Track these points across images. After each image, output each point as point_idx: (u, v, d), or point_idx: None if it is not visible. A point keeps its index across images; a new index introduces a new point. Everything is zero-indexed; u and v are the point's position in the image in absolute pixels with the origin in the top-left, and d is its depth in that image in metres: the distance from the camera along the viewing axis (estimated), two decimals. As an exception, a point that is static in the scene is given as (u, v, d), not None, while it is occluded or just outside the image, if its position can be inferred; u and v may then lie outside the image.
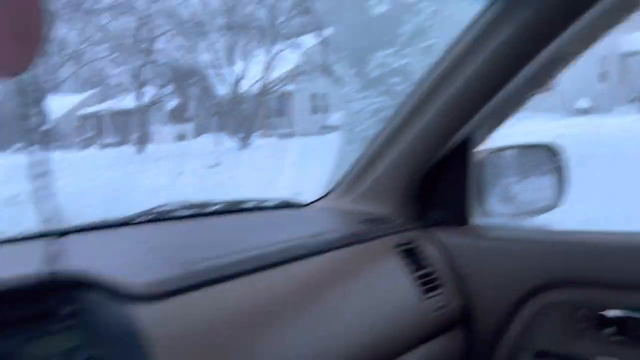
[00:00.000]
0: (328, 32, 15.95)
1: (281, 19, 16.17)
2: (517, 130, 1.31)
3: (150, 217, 1.21)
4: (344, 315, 0.95)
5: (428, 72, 1.09)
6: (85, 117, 23.53)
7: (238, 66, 16.82)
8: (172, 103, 20.88)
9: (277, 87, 17.64)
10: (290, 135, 17.61)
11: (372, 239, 1.10)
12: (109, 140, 19.52)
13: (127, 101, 19.10)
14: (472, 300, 1.13)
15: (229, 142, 14.49)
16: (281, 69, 17.08)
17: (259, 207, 1.35)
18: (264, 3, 16.22)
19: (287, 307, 0.90)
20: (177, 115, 21.30)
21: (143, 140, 16.98)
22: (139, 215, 1.22)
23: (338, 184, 1.31)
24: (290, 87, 18.83)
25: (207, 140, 15.36)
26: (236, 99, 16.38)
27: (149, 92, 18.51)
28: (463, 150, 1.19)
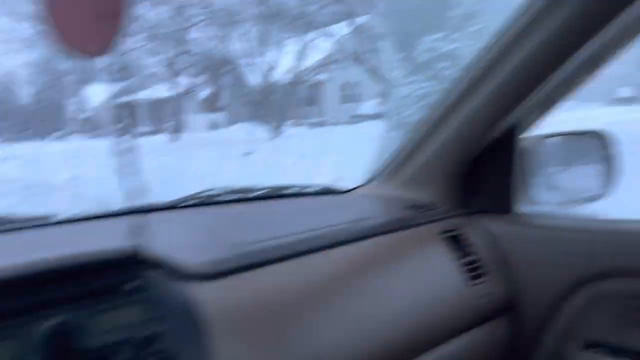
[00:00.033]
0: (362, 20, 15.84)
1: (314, 7, 16.09)
2: (560, 118, 1.28)
3: (195, 201, 1.24)
4: (388, 300, 0.96)
5: (477, 57, 1.08)
6: (121, 106, 24.03)
7: (270, 55, 16.87)
8: (205, 92, 21.12)
9: (308, 76, 17.63)
10: (320, 124, 17.61)
11: (417, 225, 1.10)
12: (143, 129, 19.91)
13: (161, 90, 19.44)
14: (518, 289, 1.12)
15: (260, 131, 14.59)
16: (313, 58, 17.06)
17: (300, 193, 1.37)
18: (296, -9, 16.19)
19: (333, 291, 0.91)
20: (210, 105, 21.55)
21: (177, 129, 17.27)
22: (185, 199, 1.25)
23: (381, 171, 1.31)
24: (321, 76, 18.80)
25: (239, 129, 15.50)
26: (268, 88, 16.46)
27: (183, 81, 18.78)
28: (510, 137, 1.18)
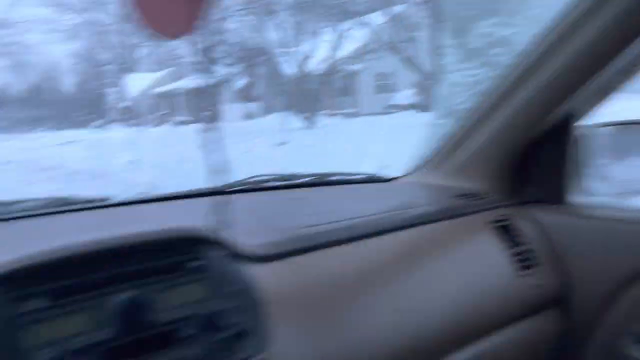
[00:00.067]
0: (398, 8, 15.61)
1: (349, -4, 15.98)
2: (616, 108, 1.24)
3: (243, 186, 1.27)
4: (436, 289, 0.96)
5: (533, 44, 1.05)
6: (160, 96, 24.54)
7: (305, 45, 16.86)
8: (241, 82, 21.32)
9: (343, 66, 17.55)
10: (355, 114, 17.53)
11: (466, 214, 1.09)
12: (182, 117, 20.27)
13: (199, 80, 19.68)
14: (570, 281, 1.10)
15: (295, 121, 14.65)
16: (348, 47, 16.96)
17: (346, 181, 1.38)
18: (332, -19, 16.09)
19: (382, 277, 0.92)
20: (246, 94, 21.75)
21: (213, 119, 17.49)
22: (233, 184, 1.28)
23: (428, 159, 1.30)
24: (356, 66, 18.68)
25: (274, 119, 15.60)
26: (303, 78, 16.47)
27: (220, 71, 18.99)
28: (564, 126, 1.15)
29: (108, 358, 0.58)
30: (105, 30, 23.41)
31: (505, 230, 1.09)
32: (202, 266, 0.69)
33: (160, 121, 20.72)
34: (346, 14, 16.18)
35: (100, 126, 20.29)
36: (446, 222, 1.06)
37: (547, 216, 1.14)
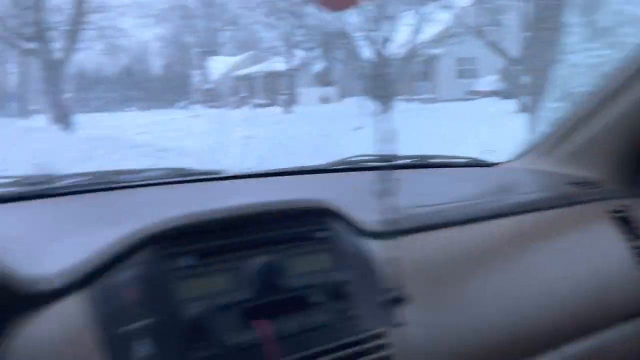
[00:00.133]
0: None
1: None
2: None
3: (345, 165, 1.28)
4: (547, 278, 0.93)
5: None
6: (240, 78, 25.24)
7: (385, 29, 16.61)
8: (319, 66, 21.43)
9: (424, 50, 17.13)
10: (433, 100, 17.12)
11: (583, 202, 1.04)
12: (260, 100, 20.76)
13: (278, 64, 20.05)
14: None
15: (372, 106, 14.54)
16: (429, 31, 16.52)
17: (447, 164, 1.36)
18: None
19: (493, 262, 0.90)
20: (323, 78, 21.85)
21: (290, 102, 17.78)
22: (335, 163, 1.30)
23: (538, 144, 1.25)
24: (436, 51, 18.17)
25: (350, 103, 15.59)
26: (381, 62, 16.26)
27: (298, 55, 19.20)
28: None
29: (246, 317, 0.62)
30: (191, 15, 24.34)
31: (625, 222, 1.03)
32: (328, 237, 0.71)
33: (240, 103, 21.34)
34: (429, -3, 15.74)
35: (184, 107, 21.23)
36: (560, 210, 1.02)
37: None
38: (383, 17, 16.35)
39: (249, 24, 21.67)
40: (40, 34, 13.71)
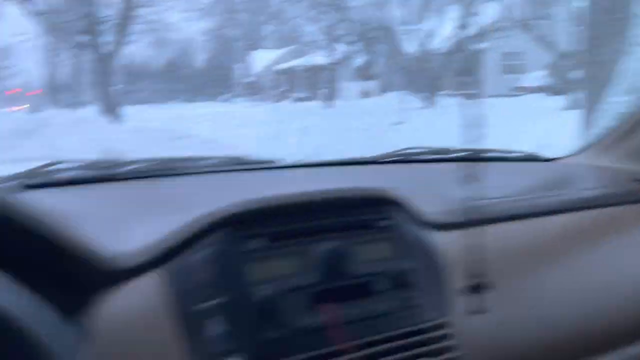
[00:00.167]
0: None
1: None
2: None
3: (396, 157, 1.28)
4: (612, 274, 0.91)
5: None
6: (281, 72, 25.40)
7: (430, 23, 16.36)
8: (360, 60, 21.32)
9: (468, 44, 16.77)
10: (478, 95, 16.73)
11: None
12: (300, 94, 20.85)
13: (319, 57, 20.06)
14: None
15: (413, 101, 14.37)
16: (475, 25, 16.14)
17: (502, 158, 1.33)
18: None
19: (557, 256, 0.89)
20: (364, 73, 21.73)
21: (331, 96, 17.77)
22: (386, 155, 1.30)
23: (600, 140, 1.21)
24: (482, 45, 17.76)
25: (392, 98, 15.44)
26: (424, 56, 16.03)
27: (340, 49, 19.15)
28: None
29: (312, 300, 0.63)
30: (235, 9, 24.65)
31: None
32: (393, 226, 0.72)
33: (281, 97, 21.49)
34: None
35: (226, 100, 21.57)
36: (624, 207, 0.99)
37: None
38: (427, 10, 16.10)
39: (291, 18, 21.76)
40: (92, 27, 14.20)
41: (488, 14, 15.74)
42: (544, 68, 16.31)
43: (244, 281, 0.62)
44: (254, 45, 26.18)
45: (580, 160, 1.24)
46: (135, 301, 0.60)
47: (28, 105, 20.28)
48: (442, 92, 15.45)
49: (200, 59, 28.87)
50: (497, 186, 1.07)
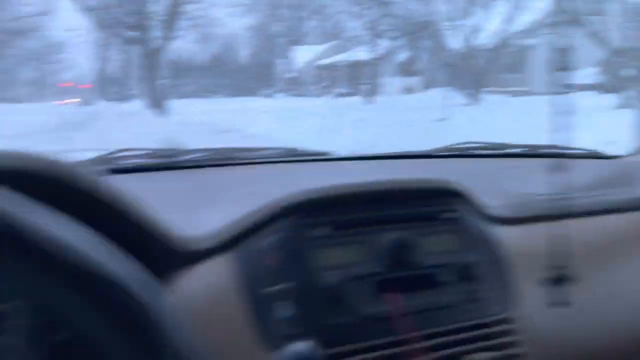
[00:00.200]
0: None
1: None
2: None
3: (452, 152, 1.27)
4: None
5: None
6: (323, 68, 25.43)
7: (476, 18, 15.99)
8: (402, 56, 21.10)
9: (516, 40, 16.31)
10: (524, 93, 16.29)
11: None
12: (342, 90, 20.81)
13: (361, 53, 19.97)
14: None
15: (457, 97, 14.11)
16: (523, 20, 15.69)
17: (562, 154, 1.30)
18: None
19: (608, 256, 0.86)
20: (406, 68, 21.49)
21: (372, 92, 17.66)
22: (441, 149, 1.29)
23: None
24: (530, 41, 17.24)
25: (434, 94, 15.21)
26: (469, 52, 15.70)
27: (382, 44, 18.99)
28: None
29: (377, 289, 0.64)
30: (278, 4, 24.83)
31: None
32: (456, 218, 0.72)
33: (322, 92, 21.50)
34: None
35: (268, 95, 21.77)
36: None
37: None
38: (473, 4, 15.75)
39: (334, 13, 21.74)
40: (141, 23, 14.61)
41: (537, 8, 15.26)
42: (596, 65, 15.68)
43: (310, 267, 0.63)
44: (297, 41, 26.31)
45: None
46: (206, 282, 0.62)
47: (79, 98, 21.08)
48: (487, 89, 15.10)
49: (243, 54, 29.25)
50: (561, 182, 1.04)
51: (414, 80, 20.66)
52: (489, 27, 15.69)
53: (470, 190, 0.79)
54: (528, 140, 1.31)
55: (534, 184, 1.04)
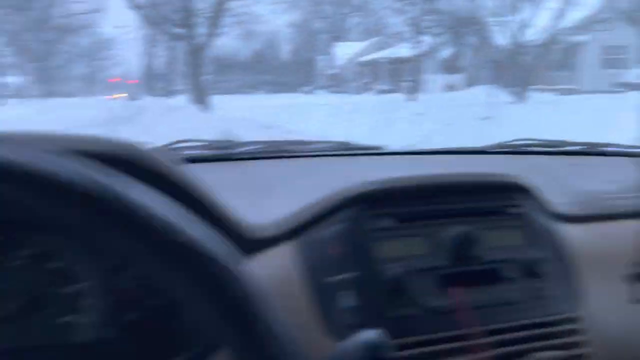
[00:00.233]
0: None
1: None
2: None
3: (508, 149, 1.24)
4: None
5: None
6: (364, 64, 25.30)
7: (524, 13, 15.54)
8: (446, 52, 20.75)
9: (565, 37, 15.76)
10: (573, 91, 15.73)
11: None
12: (383, 86, 20.66)
13: (404, 49, 19.76)
14: None
15: (502, 95, 13.76)
16: (574, 16, 15.14)
17: (622, 153, 1.25)
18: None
19: None
20: (450, 65, 21.12)
21: (415, 89, 17.44)
22: (495, 146, 1.26)
23: None
24: (580, 38, 16.63)
25: (478, 92, 14.88)
26: (516, 49, 15.28)
27: (425, 41, 18.73)
28: None
29: (441, 283, 0.63)
30: (320, 1, 24.86)
31: None
32: (522, 214, 0.70)
33: (363, 89, 21.41)
34: (576, -22, 14.40)
35: (309, 92, 21.85)
36: None
37: None
38: (522, 1, 15.31)
39: (377, 10, 21.61)
40: (186, 20, 14.93)
41: (588, 4, 14.70)
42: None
43: (372, 259, 0.63)
44: (338, 38, 26.29)
45: None
46: (271, 269, 0.63)
47: (127, 93, 21.75)
48: (534, 87, 14.66)
49: (285, 51, 29.47)
50: (621, 181, 1.00)
51: (456, 78, 20.28)
52: (538, 23, 15.21)
53: (535, 186, 0.77)
54: (578, 139, 1.27)
55: (596, 182, 1.01)
